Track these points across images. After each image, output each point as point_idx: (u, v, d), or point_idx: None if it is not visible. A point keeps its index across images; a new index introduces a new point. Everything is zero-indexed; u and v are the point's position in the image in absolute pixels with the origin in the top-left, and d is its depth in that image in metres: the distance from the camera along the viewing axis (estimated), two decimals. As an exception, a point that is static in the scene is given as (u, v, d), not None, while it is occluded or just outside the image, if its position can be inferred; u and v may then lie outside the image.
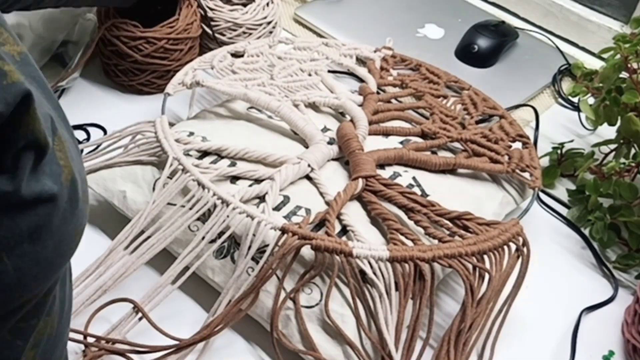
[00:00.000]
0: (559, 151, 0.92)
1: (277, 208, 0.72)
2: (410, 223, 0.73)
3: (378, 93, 0.94)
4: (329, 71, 0.99)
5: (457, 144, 0.87)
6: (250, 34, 1.05)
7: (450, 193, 0.78)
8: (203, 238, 0.68)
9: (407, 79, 0.98)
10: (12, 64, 0.34)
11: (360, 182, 0.74)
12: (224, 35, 1.03)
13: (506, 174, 0.83)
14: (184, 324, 0.67)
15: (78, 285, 0.67)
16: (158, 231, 0.69)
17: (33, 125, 0.34)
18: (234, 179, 0.74)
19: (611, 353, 0.73)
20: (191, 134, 0.80)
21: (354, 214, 0.73)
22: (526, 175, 0.83)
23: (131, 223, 0.71)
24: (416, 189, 0.77)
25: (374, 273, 0.65)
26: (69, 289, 0.43)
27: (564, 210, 0.89)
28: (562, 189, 0.91)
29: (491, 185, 0.83)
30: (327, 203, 0.73)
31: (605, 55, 0.90)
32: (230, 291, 0.66)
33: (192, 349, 0.65)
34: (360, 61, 1.04)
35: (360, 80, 0.99)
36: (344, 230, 0.71)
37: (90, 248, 0.71)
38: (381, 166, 0.80)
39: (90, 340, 0.64)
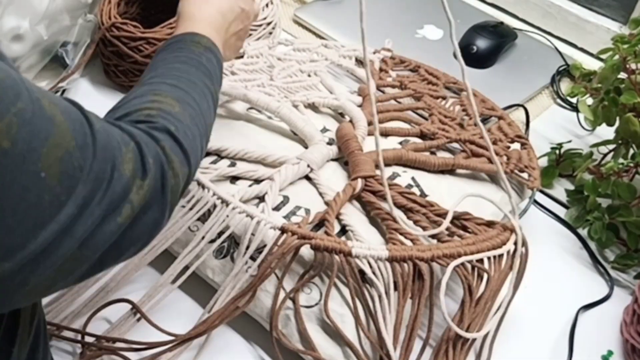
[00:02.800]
0: (557, 151, 0.93)
1: (276, 208, 0.72)
2: (409, 223, 0.73)
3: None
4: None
5: (455, 145, 0.87)
6: (250, 35, 1.05)
7: (449, 193, 0.79)
8: (203, 238, 0.68)
9: (406, 80, 0.98)
10: None
11: (360, 183, 0.75)
12: (223, 36, 1.03)
13: (505, 175, 0.83)
14: (184, 323, 0.67)
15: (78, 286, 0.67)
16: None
17: None
18: (234, 179, 0.75)
19: (610, 353, 0.73)
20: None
21: (353, 214, 0.73)
22: (524, 175, 0.83)
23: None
24: (415, 189, 0.78)
25: (373, 273, 0.65)
26: None
27: (562, 211, 0.89)
28: (561, 189, 0.92)
29: (490, 186, 0.83)
30: (327, 203, 0.74)
31: (603, 56, 0.91)
32: (227, 289, 0.66)
33: (188, 344, 0.65)
34: (360, 62, 1.04)
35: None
36: (343, 230, 0.71)
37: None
38: (380, 166, 0.80)
39: (89, 339, 0.65)
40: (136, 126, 0.48)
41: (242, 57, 0.96)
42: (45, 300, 0.68)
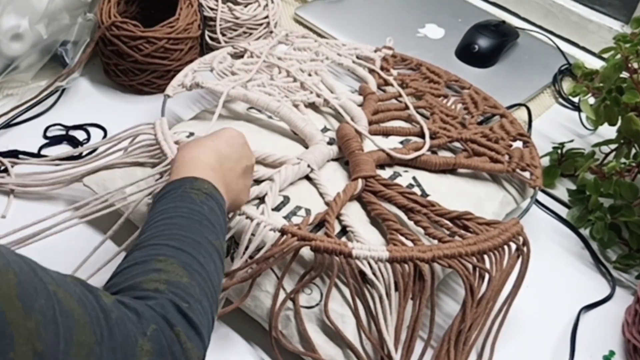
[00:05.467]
0: (559, 151, 0.92)
1: (277, 208, 0.72)
2: (410, 223, 0.72)
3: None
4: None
5: (457, 144, 0.87)
6: (251, 34, 1.05)
7: (451, 193, 0.78)
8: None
9: (408, 79, 0.98)
10: None
11: (360, 183, 0.74)
12: (224, 35, 1.03)
13: (506, 174, 0.83)
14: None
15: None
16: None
17: None
18: (234, 179, 0.74)
19: (612, 353, 0.73)
20: (191, 134, 0.80)
21: (354, 215, 0.73)
22: (526, 174, 0.83)
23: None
24: (416, 189, 0.77)
25: (374, 274, 0.64)
26: None
27: (564, 210, 0.89)
28: (563, 188, 0.91)
29: (491, 185, 0.83)
30: (327, 203, 0.73)
31: (605, 55, 0.90)
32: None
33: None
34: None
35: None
36: (344, 231, 0.71)
37: (90, 248, 0.71)
38: (381, 166, 0.80)
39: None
40: (149, 307, 0.45)
41: (242, 56, 0.96)
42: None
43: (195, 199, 0.56)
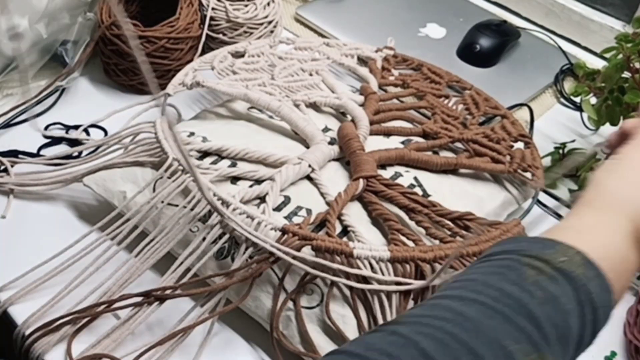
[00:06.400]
0: (560, 151, 0.92)
1: (277, 208, 0.71)
2: (412, 223, 0.72)
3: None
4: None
5: (458, 144, 0.87)
6: (251, 33, 1.04)
7: (452, 193, 0.78)
8: (204, 239, 0.68)
9: (409, 79, 0.98)
10: None
11: (361, 183, 0.74)
12: (224, 35, 1.03)
13: (508, 174, 0.83)
14: (185, 323, 0.66)
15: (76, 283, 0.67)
16: (161, 234, 0.69)
17: None
18: (235, 179, 0.74)
19: (613, 354, 0.72)
20: (191, 134, 0.80)
21: (355, 215, 0.73)
22: (528, 175, 0.83)
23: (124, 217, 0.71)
24: (417, 189, 0.77)
25: (375, 274, 0.64)
26: None
27: (565, 211, 0.89)
28: (564, 189, 0.91)
29: (493, 186, 0.82)
30: (328, 203, 0.73)
31: (607, 55, 0.90)
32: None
33: (177, 341, 0.65)
34: (362, 61, 1.03)
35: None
36: (345, 231, 0.70)
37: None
38: (382, 166, 0.80)
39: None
40: None
41: (243, 56, 0.96)
42: (43, 301, 0.67)
43: (527, 275, 0.39)
